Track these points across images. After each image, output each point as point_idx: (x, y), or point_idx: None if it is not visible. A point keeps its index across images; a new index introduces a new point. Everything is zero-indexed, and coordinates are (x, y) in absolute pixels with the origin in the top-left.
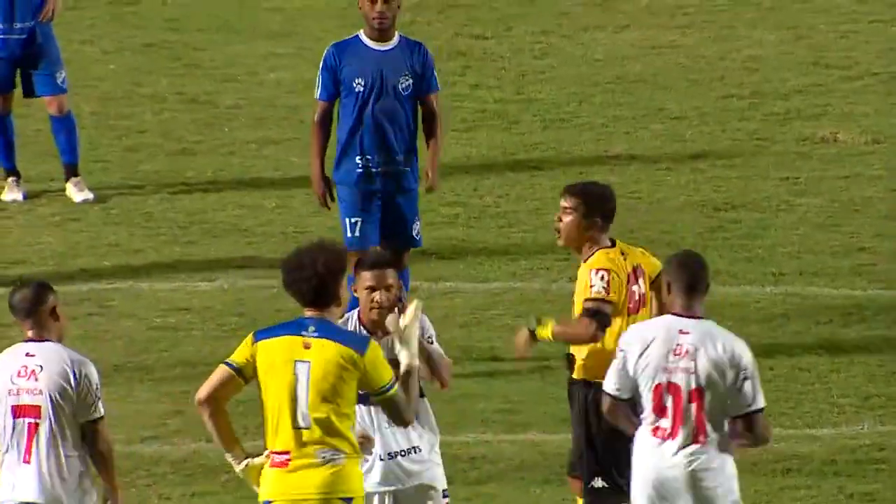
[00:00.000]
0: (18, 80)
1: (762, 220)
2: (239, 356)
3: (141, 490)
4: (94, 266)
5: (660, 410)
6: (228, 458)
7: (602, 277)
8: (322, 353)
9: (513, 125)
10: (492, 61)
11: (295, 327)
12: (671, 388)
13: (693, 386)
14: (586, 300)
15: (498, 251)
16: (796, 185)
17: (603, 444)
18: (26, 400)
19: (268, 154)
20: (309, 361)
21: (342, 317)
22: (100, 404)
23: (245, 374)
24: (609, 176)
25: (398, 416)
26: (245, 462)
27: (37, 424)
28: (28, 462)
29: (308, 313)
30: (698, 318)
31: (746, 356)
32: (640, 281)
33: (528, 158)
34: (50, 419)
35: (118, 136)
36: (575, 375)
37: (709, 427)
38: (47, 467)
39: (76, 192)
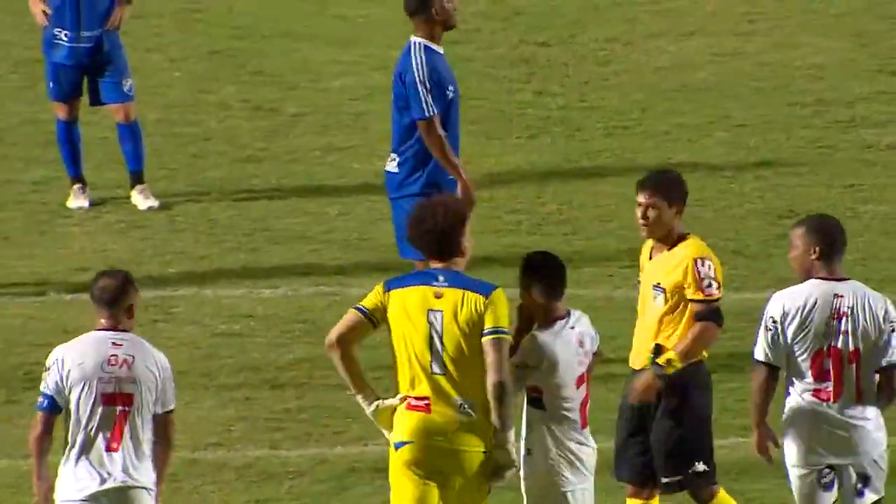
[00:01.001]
0: (86, 87)
1: None
2: (369, 302)
3: (205, 496)
4: (159, 273)
5: (821, 375)
6: (358, 399)
7: (710, 268)
8: (453, 301)
9: (576, 132)
10: (555, 68)
11: (425, 277)
12: (832, 351)
13: (852, 347)
14: (699, 301)
15: (561, 259)
16: (861, 193)
17: (702, 426)
18: (121, 388)
19: (331, 161)
20: (441, 311)
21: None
22: (174, 395)
23: (375, 319)
24: None
25: (499, 366)
26: (375, 404)
27: (126, 412)
28: (116, 450)
29: (434, 265)
30: (846, 279)
31: (893, 310)
32: None
33: (592, 165)
34: (139, 408)
35: (183, 144)
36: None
37: (864, 384)
38: (132, 455)
39: (141, 200)
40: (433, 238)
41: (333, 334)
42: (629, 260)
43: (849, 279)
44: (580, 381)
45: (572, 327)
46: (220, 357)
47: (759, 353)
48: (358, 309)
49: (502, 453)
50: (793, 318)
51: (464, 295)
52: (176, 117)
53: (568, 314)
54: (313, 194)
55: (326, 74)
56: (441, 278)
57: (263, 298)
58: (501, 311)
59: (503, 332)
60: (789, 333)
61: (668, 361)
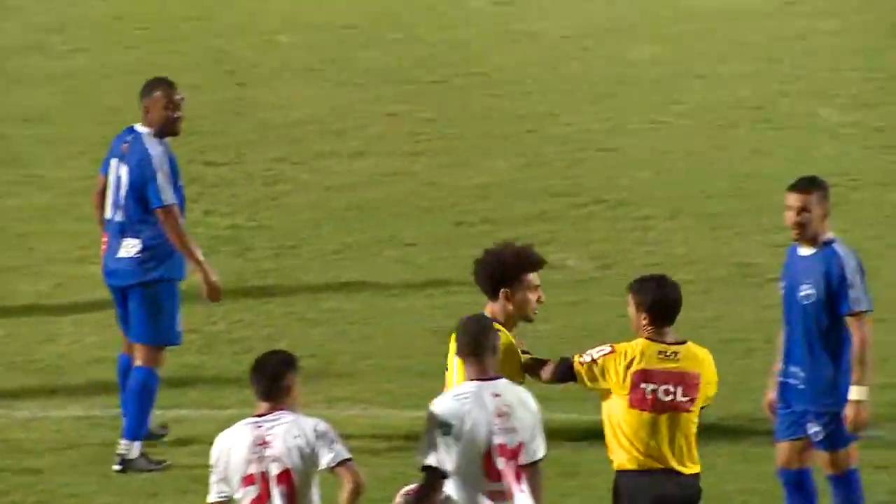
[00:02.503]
0: None
1: None
2: None
3: None
4: None
5: (495, 474)
6: None
7: (600, 351)
8: None
9: (246, 251)
10: (224, 188)
11: None
12: (501, 449)
13: (514, 444)
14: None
15: (231, 378)
16: None
17: None
18: None
19: None
20: None
21: None
22: None
23: None
24: (343, 303)
25: None
26: None
27: None
28: None
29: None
30: (499, 377)
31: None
32: (663, 384)
33: (262, 285)
34: None
35: None
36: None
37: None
38: None
39: None
40: (478, 277)
41: None
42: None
43: (501, 377)
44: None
45: None
46: None
47: (431, 458)
48: None
49: None
50: (458, 421)
51: None
52: None
53: None
54: None
55: None
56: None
57: None
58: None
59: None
60: (458, 435)
61: None
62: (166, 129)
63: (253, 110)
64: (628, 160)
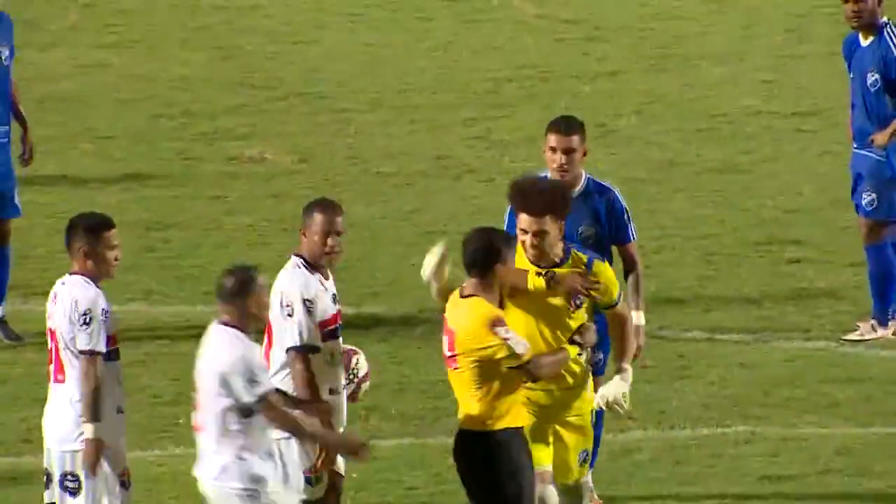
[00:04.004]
0: None
1: (193, 239)
2: None
3: None
4: None
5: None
6: None
7: None
8: None
9: None
10: None
11: None
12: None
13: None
14: None
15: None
16: (226, 204)
17: None
18: None
19: None
20: None
21: None
22: None
23: None
24: (40, 196)
25: None
26: None
27: None
28: None
29: None
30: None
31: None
32: (443, 335)
33: None
34: None
35: None
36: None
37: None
38: None
39: None
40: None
41: None
42: None
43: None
44: None
45: None
46: None
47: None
48: None
49: None
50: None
51: None
52: None
53: None
54: None
55: None
56: None
57: None
58: None
59: None
60: None
61: None
62: None
63: None
64: (327, 53)
